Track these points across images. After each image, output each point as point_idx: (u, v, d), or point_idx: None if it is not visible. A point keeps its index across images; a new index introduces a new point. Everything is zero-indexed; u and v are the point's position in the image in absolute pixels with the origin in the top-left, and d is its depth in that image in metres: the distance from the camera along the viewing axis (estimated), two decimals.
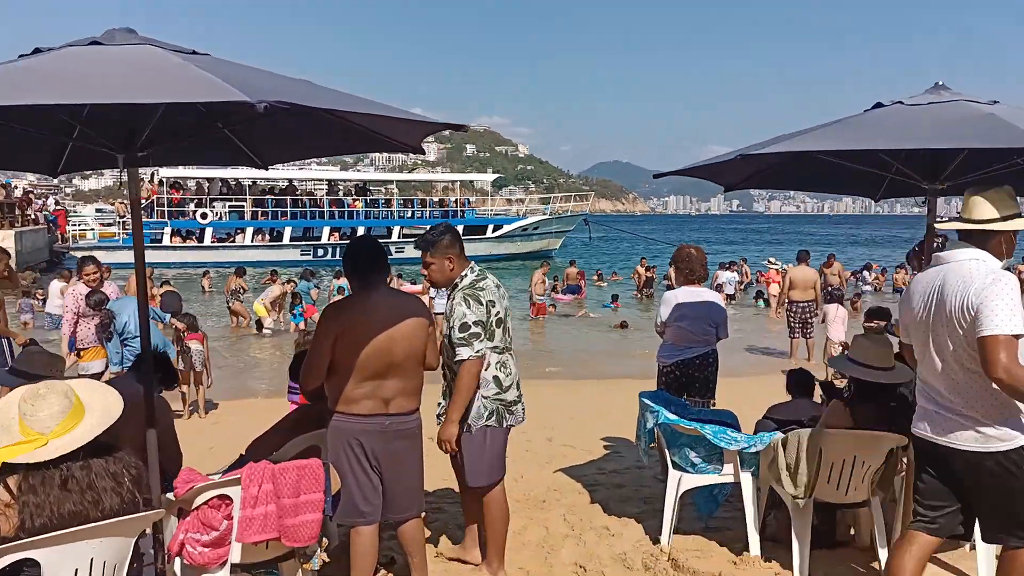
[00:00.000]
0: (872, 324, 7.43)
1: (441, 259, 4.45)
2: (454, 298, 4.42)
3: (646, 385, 6.35)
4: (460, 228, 43.50)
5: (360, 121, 3.86)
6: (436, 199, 48.24)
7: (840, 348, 12.08)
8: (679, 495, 5.10)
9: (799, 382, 5.92)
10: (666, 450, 5.23)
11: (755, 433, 5.85)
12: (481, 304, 4.34)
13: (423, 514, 4.45)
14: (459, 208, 46.33)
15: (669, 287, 7.25)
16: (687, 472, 5.15)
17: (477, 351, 4.27)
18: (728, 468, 5.02)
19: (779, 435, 4.79)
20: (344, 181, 46.85)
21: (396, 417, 4.08)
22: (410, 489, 4.22)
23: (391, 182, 50.09)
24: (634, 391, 5.86)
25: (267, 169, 4.84)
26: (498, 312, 4.43)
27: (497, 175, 58.00)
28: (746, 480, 4.99)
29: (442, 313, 14.71)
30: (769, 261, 23.89)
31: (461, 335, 4.28)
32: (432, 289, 17.64)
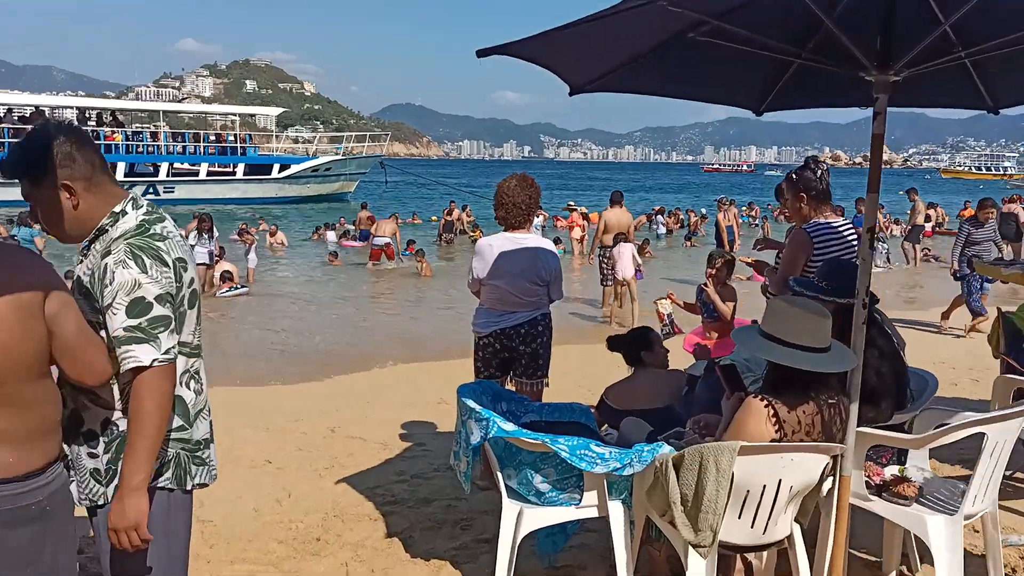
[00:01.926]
0: (716, 271, 6.13)
1: (51, 190, 2.34)
2: (105, 254, 2.33)
3: (459, 351, 4.64)
4: (241, 168, 40.50)
5: None
6: (212, 134, 43.40)
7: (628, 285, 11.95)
8: (518, 538, 3.45)
9: (637, 339, 4.51)
10: (499, 473, 3.54)
11: (601, 427, 4.36)
12: (167, 266, 2.35)
13: None
14: (240, 145, 42.06)
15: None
16: (530, 503, 3.50)
17: (165, 352, 2.30)
18: (590, 497, 3.43)
19: (666, 450, 3.24)
20: (97, 109, 40.94)
21: None
22: None
23: (156, 113, 44.49)
24: (444, 368, 4.10)
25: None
26: (192, 281, 2.46)
27: (283, 110, 53.39)
28: (616, 513, 3.43)
29: (204, 264, 12.37)
30: (569, 205, 23.02)
31: (133, 322, 2.26)
32: (194, 235, 14.96)
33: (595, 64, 3.80)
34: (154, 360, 2.22)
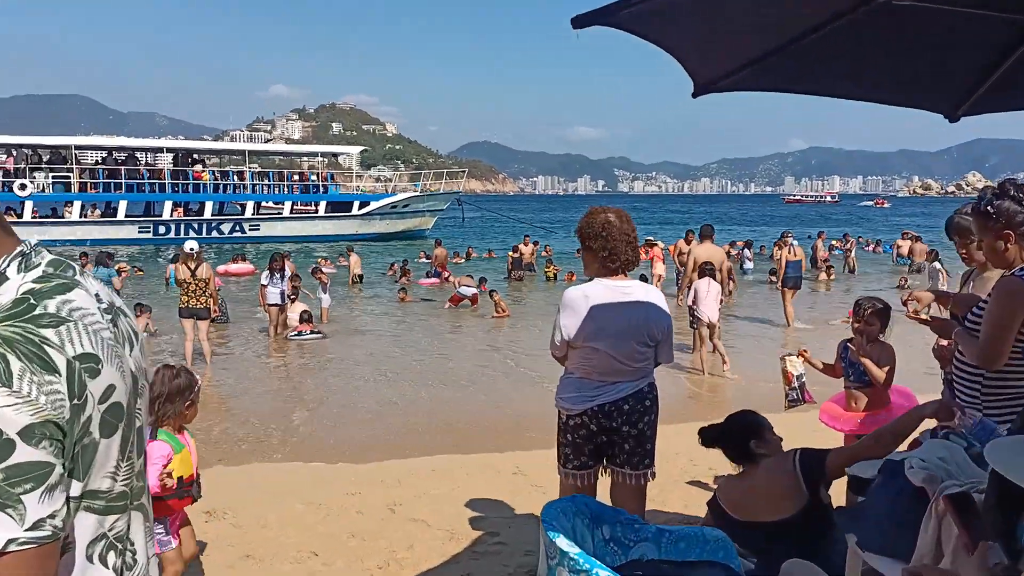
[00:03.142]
0: (864, 323, 4.93)
1: None
2: None
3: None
4: (323, 205, 40.68)
5: None
6: (295, 174, 43.86)
7: (712, 328, 10.87)
8: None
9: (746, 430, 3.47)
10: None
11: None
12: (55, 372, 1.26)
13: None
14: (322, 183, 42.34)
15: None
16: None
17: (34, 525, 1.25)
18: None
19: None
20: (187, 151, 41.81)
21: None
22: None
23: (241, 153, 45.28)
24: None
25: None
26: (113, 391, 1.38)
27: (364, 148, 53.85)
28: None
29: (276, 305, 11.61)
30: (648, 240, 21.73)
31: None
32: (266, 275, 14.39)
33: (733, 51, 2.75)
34: (9, 541, 1.23)
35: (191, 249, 11.41)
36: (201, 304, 11.21)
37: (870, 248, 34.40)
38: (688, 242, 17.08)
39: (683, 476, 6.20)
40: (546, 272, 23.61)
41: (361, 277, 22.31)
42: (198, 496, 3.86)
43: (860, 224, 57.08)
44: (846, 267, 26.01)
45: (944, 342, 4.01)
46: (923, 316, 3.84)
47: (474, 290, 17.66)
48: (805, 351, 5.15)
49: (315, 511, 5.59)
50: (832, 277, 23.00)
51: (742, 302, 18.00)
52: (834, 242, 31.05)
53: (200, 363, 11.11)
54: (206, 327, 11.46)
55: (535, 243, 26.43)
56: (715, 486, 5.29)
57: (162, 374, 3.79)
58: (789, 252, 14.66)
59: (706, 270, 11.10)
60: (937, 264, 14.37)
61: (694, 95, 2.97)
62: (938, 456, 3.00)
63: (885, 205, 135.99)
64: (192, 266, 11.27)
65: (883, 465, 3.17)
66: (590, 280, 3.90)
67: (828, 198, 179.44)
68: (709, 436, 3.53)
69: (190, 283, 11.22)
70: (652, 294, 3.90)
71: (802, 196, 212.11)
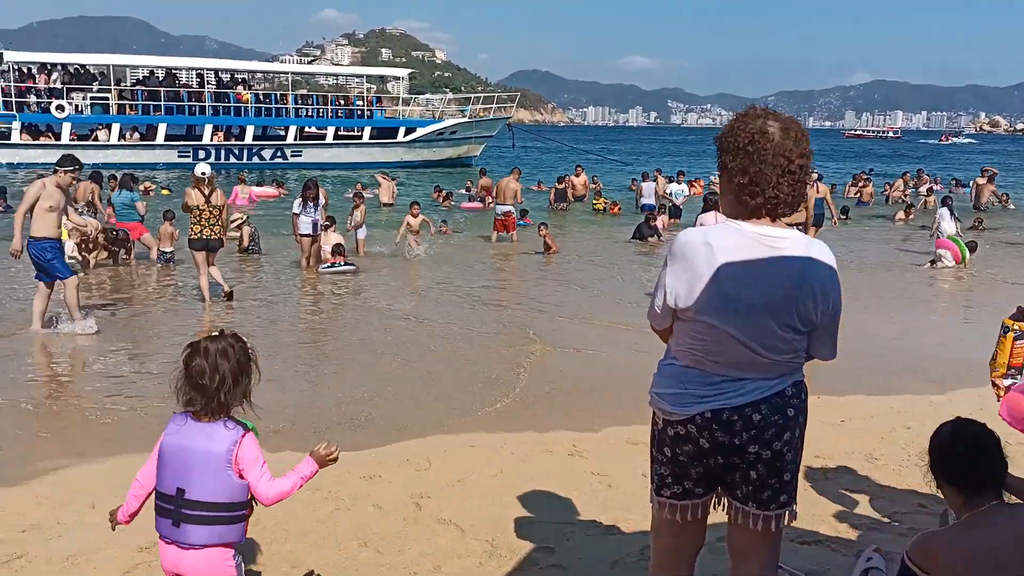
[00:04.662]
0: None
1: None
2: None
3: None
4: (368, 131, 39.34)
5: None
6: (340, 98, 42.38)
7: None
8: None
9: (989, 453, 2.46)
10: None
11: None
12: None
13: None
14: (367, 108, 40.86)
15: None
16: None
17: None
18: None
19: None
20: (228, 71, 40.53)
21: None
22: None
23: (284, 74, 43.85)
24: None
25: None
26: None
27: (411, 71, 51.91)
28: None
29: (309, 235, 10.53)
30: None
31: None
32: (298, 203, 13.23)
33: None
34: None
35: (203, 173, 10.17)
36: (215, 235, 10.08)
37: (941, 188, 31.90)
38: None
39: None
40: (595, 204, 22.16)
41: (391, 206, 21.18)
42: None
43: (928, 161, 53.89)
44: (923, 207, 24.02)
45: None
46: None
47: (508, 207, 16.20)
48: None
49: (321, 502, 4.46)
50: (911, 217, 21.16)
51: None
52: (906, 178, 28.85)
53: (219, 302, 10.06)
54: (213, 258, 10.30)
55: (593, 176, 24.98)
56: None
57: (216, 348, 2.67)
58: (814, 189, 14.10)
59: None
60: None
61: None
62: None
63: (952, 141, 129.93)
64: (206, 191, 10.09)
65: None
66: (714, 219, 2.57)
67: (890, 133, 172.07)
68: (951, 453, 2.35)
69: (203, 210, 10.05)
70: (816, 250, 2.56)
71: (863, 131, 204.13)
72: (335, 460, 2.85)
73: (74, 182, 8.93)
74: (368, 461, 5.09)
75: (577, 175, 23.69)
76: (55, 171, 8.47)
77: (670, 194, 20.03)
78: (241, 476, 2.67)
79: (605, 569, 3.74)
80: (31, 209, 8.26)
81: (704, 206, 10.34)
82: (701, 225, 9.89)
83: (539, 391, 6.81)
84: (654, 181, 21.35)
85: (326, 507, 4.41)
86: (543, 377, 7.21)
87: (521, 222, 17.04)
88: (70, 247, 12.31)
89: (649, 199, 20.25)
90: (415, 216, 14.91)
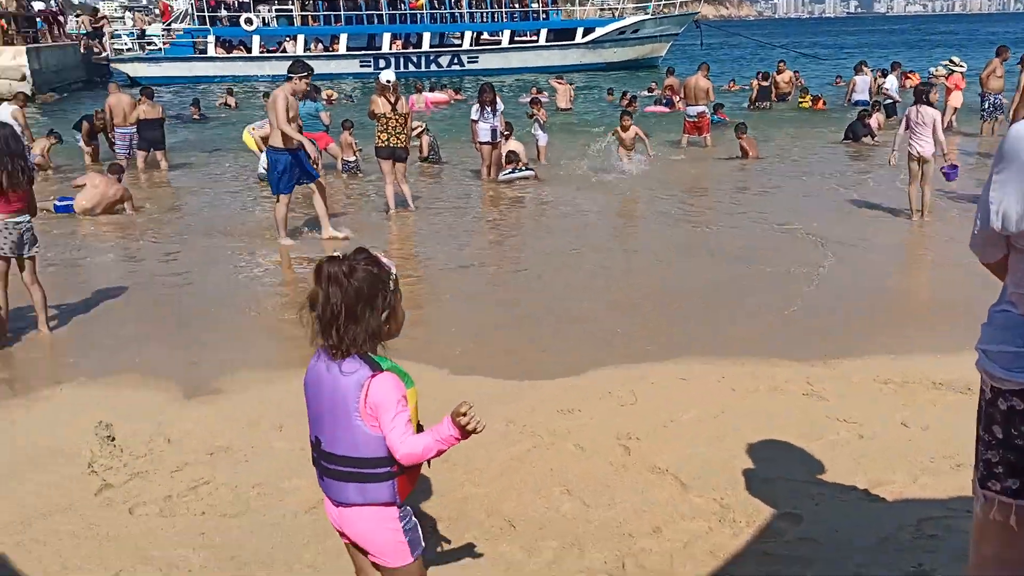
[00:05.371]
0: None
1: None
2: None
3: None
4: (544, 33, 38.18)
5: None
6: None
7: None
8: None
9: None
10: None
11: None
12: None
13: None
14: (542, 8, 39.59)
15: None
16: None
17: None
18: None
19: None
20: None
21: None
22: None
23: None
24: None
25: None
26: None
27: None
28: None
29: (488, 143, 9.38)
30: (952, 61, 17.45)
31: None
32: (475, 109, 12.68)
33: None
34: None
35: (388, 80, 9.81)
36: (400, 143, 9.77)
37: None
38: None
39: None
40: (800, 103, 20.18)
41: (569, 111, 20.23)
42: None
43: None
44: None
45: None
46: None
47: (701, 108, 14.82)
48: None
49: (516, 437, 3.97)
50: None
51: None
52: None
53: (403, 215, 9.81)
54: (404, 169, 10.07)
55: (795, 72, 22.90)
56: None
57: (327, 271, 2.10)
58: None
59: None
60: None
61: None
62: None
63: None
64: (391, 99, 9.74)
65: None
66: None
67: None
68: None
69: (390, 118, 9.75)
70: None
71: None
72: (476, 431, 2.12)
73: (307, 88, 8.75)
74: (565, 391, 4.54)
75: (780, 71, 21.62)
76: (289, 79, 8.29)
77: (887, 88, 17.74)
78: (377, 426, 2.11)
79: (871, 548, 2.99)
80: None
81: (916, 99, 8.84)
82: (907, 118, 8.51)
83: (759, 317, 5.96)
84: (868, 75, 19.10)
85: (522, 443, 3.91)
86: (762, 301, 6.32)
87: (715, 117, 15.64)
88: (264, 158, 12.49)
89: (862, 94, 18.12)
90: (625, 129, 13.12)
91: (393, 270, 2.15)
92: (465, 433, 2.09)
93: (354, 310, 2.07)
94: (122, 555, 3.03)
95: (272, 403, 4.43)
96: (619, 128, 13.04)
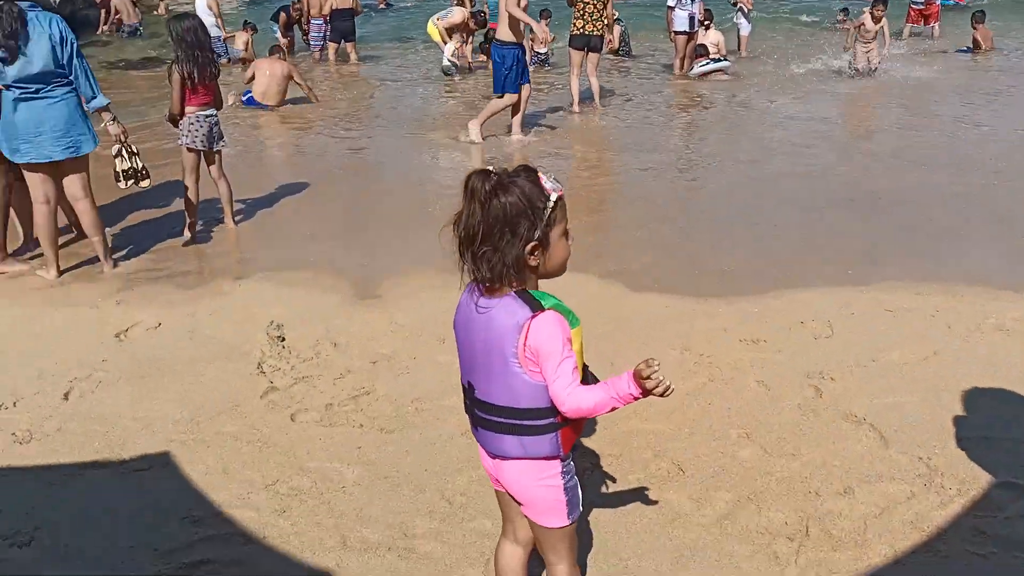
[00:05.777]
0: None
1: None
2: None
3: None
4: None
5: None
6: None
7: None
8: None
9: None
10: None
11: None
12: None
13: None
14: None
15: None
16: None
17: None
18: None
19: None
20: None
21: None
22: None
23: None
24: None
25: None
26: None
27: None
28: None
29: (684, 32, 9.16)
30: None
31: None
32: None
33: None
34: None
35: None
36: (597, 31, 9.19)
37: None
38: None
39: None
40: None
41: None
42: None
43: None
44: None
45: None
46: None
47: None
48: None
49: (692, 367, 3.63)
50: None
51: None
52: None
53: (588, 107, 9.35)
54: (597, 60, 9.54)
55: None
56: None
57: (471, 185, 1.79)
58: None
59: None
60: None
61: None
62: None
63: None
64: None
65: None
66: None
67: None
68: None
69: (588, 3, 9.16)
70: None
71: None
72: (664, 395, 1.76)
73: None
74: (748, 318, 4.09)
75: None
76: None
77: None
78: (539, 373, 1.82)
79: None
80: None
81: None
82: None
83: (990, 242, 5.14)
84: None
85: (698, 376, 3.56)
86: (997, 222, 5.46)
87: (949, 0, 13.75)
88: (450, 50, 12.31)
89: None
90: (877, 19, 10.94)
91: (554, 195, 1.81)
92: (646, 393, 1.77)
93: (491, 233, 1.76)
94: (280, 463, 3.02)
95: (438, 312, 4.29)
96: (870, 15, 11.07)
